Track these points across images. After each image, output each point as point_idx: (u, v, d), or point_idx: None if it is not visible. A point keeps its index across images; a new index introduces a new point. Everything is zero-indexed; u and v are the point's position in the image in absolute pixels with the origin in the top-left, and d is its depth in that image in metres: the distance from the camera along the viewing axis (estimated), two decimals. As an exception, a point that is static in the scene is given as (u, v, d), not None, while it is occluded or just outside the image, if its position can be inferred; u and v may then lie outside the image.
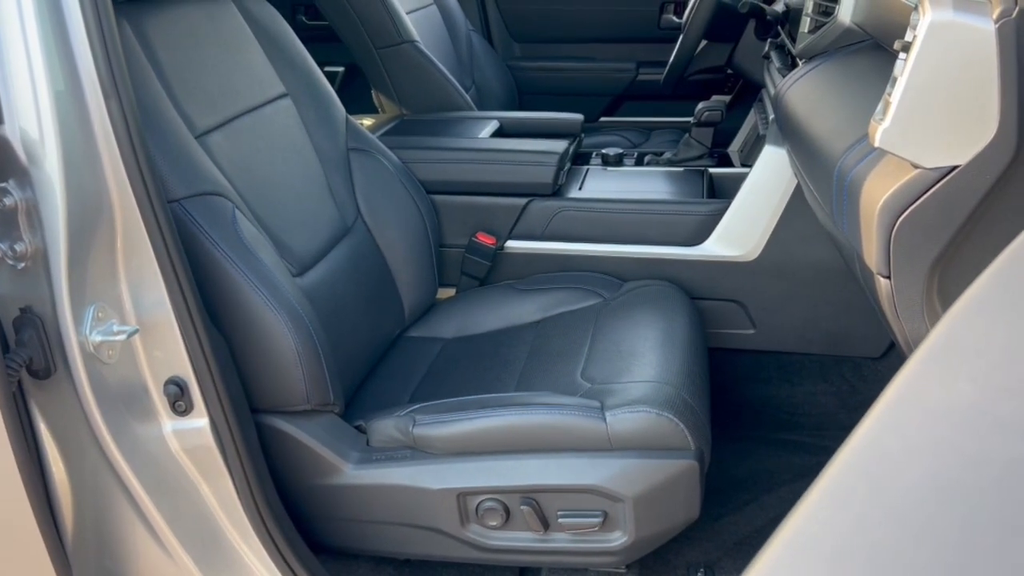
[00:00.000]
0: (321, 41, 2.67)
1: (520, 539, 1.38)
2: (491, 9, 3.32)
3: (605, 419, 1.32)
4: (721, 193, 2.09)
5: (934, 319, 0.99)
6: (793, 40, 1.79)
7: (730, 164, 2.30)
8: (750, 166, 1.92)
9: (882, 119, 0.95)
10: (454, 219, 1.99)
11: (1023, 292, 0.43)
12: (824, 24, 1.48)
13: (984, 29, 0.89)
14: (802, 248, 1.83)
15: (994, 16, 0.89)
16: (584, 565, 1.42)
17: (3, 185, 1.05)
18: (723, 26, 2.43)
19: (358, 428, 1.46)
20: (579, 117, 2.40)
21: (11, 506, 1.10)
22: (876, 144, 0.95)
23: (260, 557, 1.33)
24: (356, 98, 2.83)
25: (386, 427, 1.42)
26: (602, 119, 3.25)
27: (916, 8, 0.93)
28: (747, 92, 2.79)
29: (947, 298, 0.98)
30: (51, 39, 1.06)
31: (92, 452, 1.18)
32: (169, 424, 1.25)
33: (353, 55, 2.51)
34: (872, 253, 1.02)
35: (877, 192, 0.99)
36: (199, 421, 1.25)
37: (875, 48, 1.34)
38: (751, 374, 2.02)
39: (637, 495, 1.31)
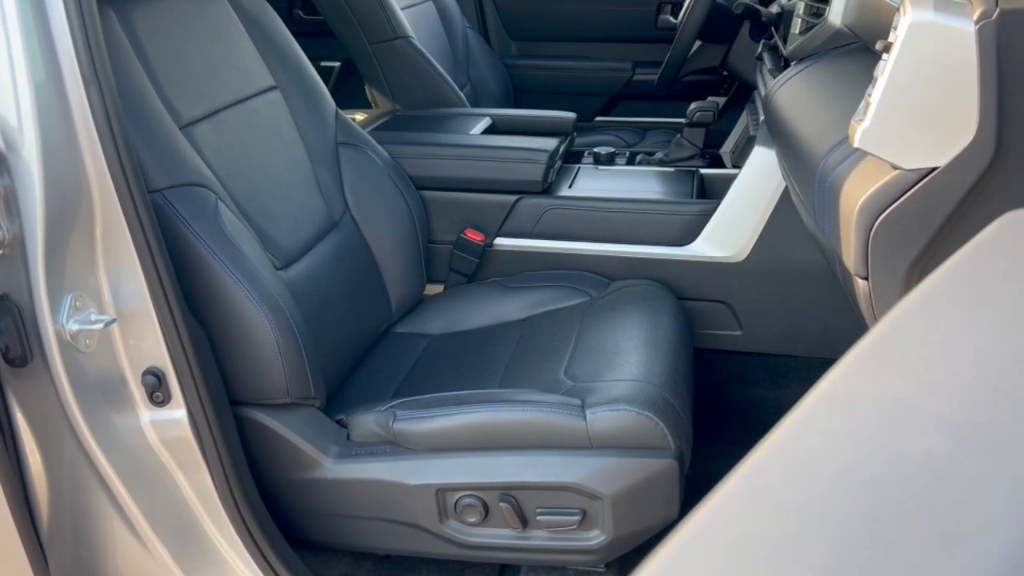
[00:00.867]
0: (318, 36, 2.67)
1: (498, 536, 1.38)
2: (488, 6, 3.32)
3: (585, 417, 1.32)
4: (711, 194, 2.09)
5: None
6: (785, 42, 1.79)
7: (721, 165, 2.29)
8: (741, 167, 1.91)
9: (862, 119, 0.95)
10: (443, 215, 1.99)
11: (969, 291, 0.43)
12: (815, 26, 1.48)
13: (964, 30, 0.89)
14: (790, 250, 1.83)
15: (974, 17, 0.89)
16: (562, 563, 1.42)
17: (-20, 172, 1.05)
18: (718, 27, 2.43)
19: (339, 422, 1.45)
20: (571, 115, 2.40)
21: (-15, 494, 1.10)
22: (855, 144, 0.95)
23: (237, 550, 1.33)
24: (352, 93, 2.83)
25: (367, 422, 1.41)
26: (597, 119, 3.24)
27: (899, 9, 0.93)
28: (742, 94, 2.78)
29: (924, 301, 0.97)
30: (32, 26, 1.06)
31: (69, 442, 1.18)
32: (147, 415, 1.25)
33: (347, 50, 2.50)
34: (851, 254, 1.02)
35: (856, 193, 0.99)
36: (177, 412, 1.24)
37: (864, 50, 1.33)
38: (737, 376, 2.01)
39: (616, 494, 1.30)
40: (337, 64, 3.12)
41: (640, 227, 1.91)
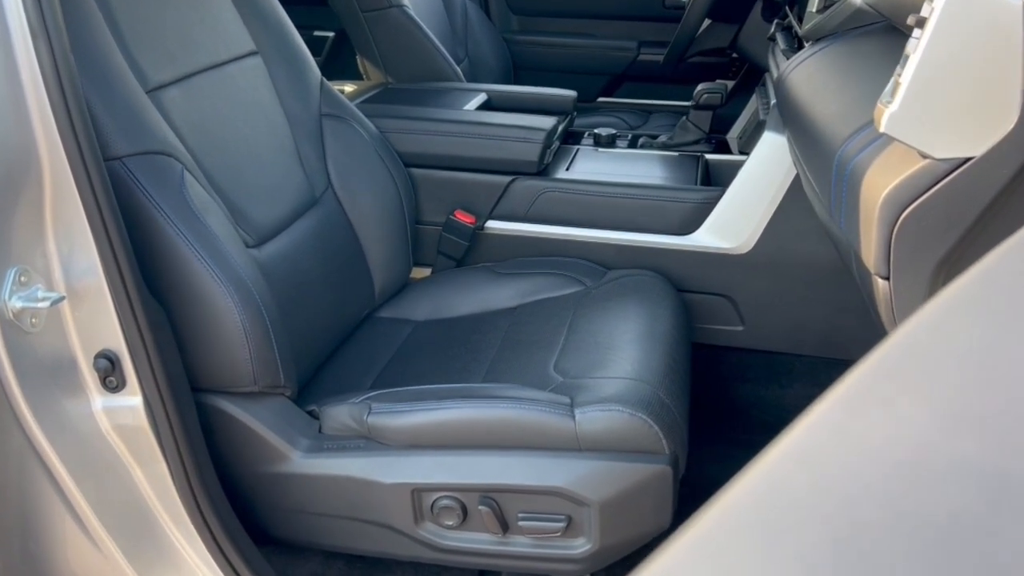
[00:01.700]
0: (311, 3, 2.57)
1: (477, 541, 1.29)
2: (490, -22, 3.20)
3: (574, 417, 1.23)
4: (716, 181, 1.99)
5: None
6: (800, 21, 1.69)
7: (728, 151, 2.19)
8: (749, 154, 1.82)
9: (890, 101, 0.85)
10: (432, 195, 1.89)
11: (1004, 296, 0.36)
12: (834, 3, 1.38)
13: (1010, 4, 0.79)
14: (798, 243, 1.73)
15: (1023, -11, 0.79)
16: (544, 572, 1.33)
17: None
18: (729, 5, 2.32)
19: (311, 413, 1.36)
20: (572, 94, 2.29)
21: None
22: (882, 129, 0.85)
23: (196, 548, 1.24)
24: (346, 66, 2.72)
25: (340, 414, 1.32)
26: (600, 99, 3.13)
27: (934, -22, 0.83)
28: (752, 78, 2.68)
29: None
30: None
31: (13, 429, 1.09)
32: (99, 401, 1.16)
33: (339, 18, 2.39)
34: (871, 252, 0.92)
35: (880, 184, 0.89)
36: (132, 399, 1.15)
37: (888, 30, 1.24)
38: (738, 373, 1.92)
39: (604, 500, 1.21)
40: (331, 34, 3.01)
41: (640, 214, 1.81)
